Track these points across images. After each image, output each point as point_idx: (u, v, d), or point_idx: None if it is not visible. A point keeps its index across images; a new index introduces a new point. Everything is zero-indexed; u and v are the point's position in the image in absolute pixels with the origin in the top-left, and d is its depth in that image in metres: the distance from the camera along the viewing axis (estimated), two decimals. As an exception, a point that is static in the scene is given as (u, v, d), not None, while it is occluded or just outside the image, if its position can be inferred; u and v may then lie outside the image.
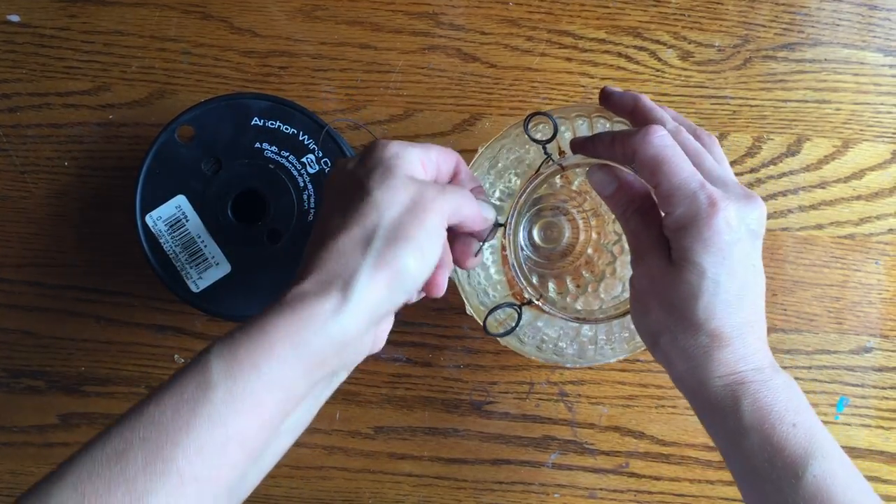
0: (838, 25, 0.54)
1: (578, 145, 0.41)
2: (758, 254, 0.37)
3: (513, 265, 0.43)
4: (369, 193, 0.35)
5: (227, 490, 0.32)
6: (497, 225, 0.41)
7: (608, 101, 0.42)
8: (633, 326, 0.41)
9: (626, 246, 0.47)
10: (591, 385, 0.54)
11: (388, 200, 0.35)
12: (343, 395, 0.54)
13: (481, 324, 0.44)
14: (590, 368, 0.54)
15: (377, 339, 0.38)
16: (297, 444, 0.37)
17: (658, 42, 0.54)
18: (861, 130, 0.54)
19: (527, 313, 0.45)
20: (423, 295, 0.40)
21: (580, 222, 0.50)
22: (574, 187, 0.50)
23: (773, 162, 0.54)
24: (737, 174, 0.54)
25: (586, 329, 0.47)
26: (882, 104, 0.54)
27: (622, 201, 0.39)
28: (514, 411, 0.54)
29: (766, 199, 0.54)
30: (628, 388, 0.54)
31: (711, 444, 0.54)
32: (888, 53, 0.54)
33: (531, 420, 0.54)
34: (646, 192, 0.39)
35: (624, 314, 0.43)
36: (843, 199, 0.54)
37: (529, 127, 0.41)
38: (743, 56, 0.54)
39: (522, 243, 0.47)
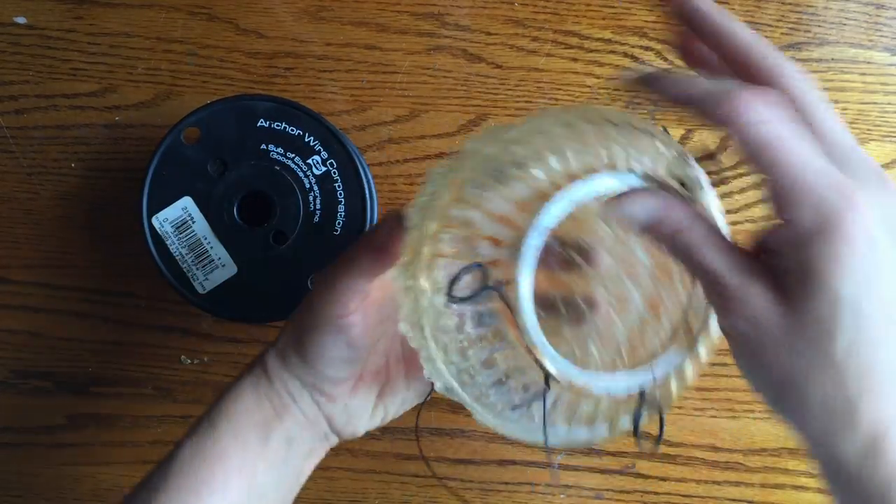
0: (845, 25, 0.54)
1: (647, 80, 0.30)
2: None
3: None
4: None
5: None
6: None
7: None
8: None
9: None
10: (597, 386, 0.54)
11: None
12: (349, 396, 0.54)
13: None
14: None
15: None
16: (304, 446, 0.37)
17: (664, 42, 0.54)
18: (868, 130, 0.54)
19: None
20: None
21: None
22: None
23: (779, 162, 0.54)
24: (743, 174, 0.54)
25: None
26: (889, 104, 0.54)
27: (678, 228, 0.29)
28: (520, 412, 0.54)
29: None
30: (634, 389, 0.54)
31: (718, 444, 0.54)
32: (895, 53, 0.54)
33: (537, 421, 0.54)
34: (699, 219, 0.29)
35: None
36: (850, 199, 0.54)
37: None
38: (749, 56, 0.54)
39: None
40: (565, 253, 0.32)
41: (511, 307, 0.30)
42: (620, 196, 0.29)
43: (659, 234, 0.29)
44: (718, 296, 0.29)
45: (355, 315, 0.37)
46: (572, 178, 0.30)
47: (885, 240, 0.26)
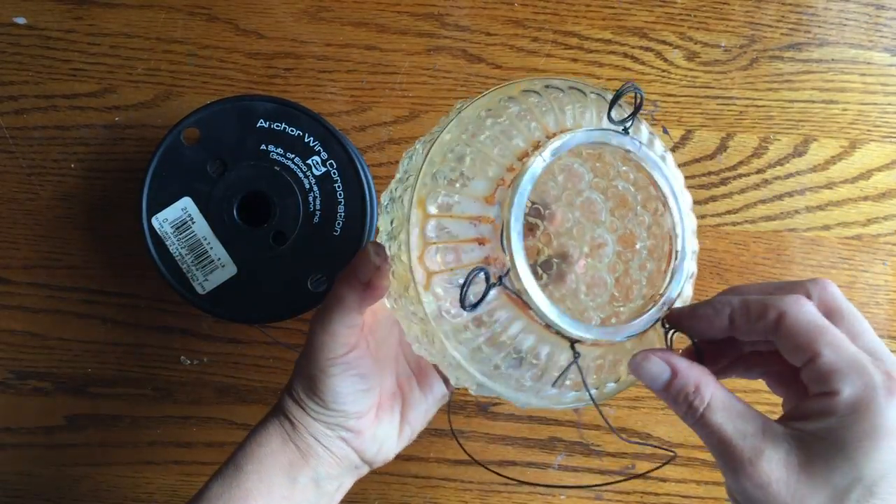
0: (845, 25, 0.54)
1: (679, 318, 0.33)
2: None
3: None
4: None
5: None
6: None
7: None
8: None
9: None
10: (597, 386, 0.54)
11: None
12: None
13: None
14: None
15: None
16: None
17: (664, 42, 0.54)
18: (868, 131, 0.54)
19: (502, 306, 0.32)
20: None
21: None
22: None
23: (779, 163, 0.54)
24: (743, 175, 0.54)
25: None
26: (889, 104, 0.54)
27: (683, 393, 0.31)
28: (519, 413, 0.54)
29: (772, 199, 0.54)
30: (634, 390, 0.54)
31: (718, 445, 0.54)
32: (895, 53, 0.54)
33: (537, 421, 0.54)
34: (705, 380, 0.31)
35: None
36: (850, 199, 0.54)
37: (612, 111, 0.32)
38: (749, 56, 0.54)
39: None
40: (525, 219, 0.33)
41: (520, 295, 0.30)
42: (632, 358, 0.32)
43: (667, 396, 0.31)
44: (729, 459, 0.30)
45: (358, 348, 0.38)
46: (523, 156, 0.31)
47: None
